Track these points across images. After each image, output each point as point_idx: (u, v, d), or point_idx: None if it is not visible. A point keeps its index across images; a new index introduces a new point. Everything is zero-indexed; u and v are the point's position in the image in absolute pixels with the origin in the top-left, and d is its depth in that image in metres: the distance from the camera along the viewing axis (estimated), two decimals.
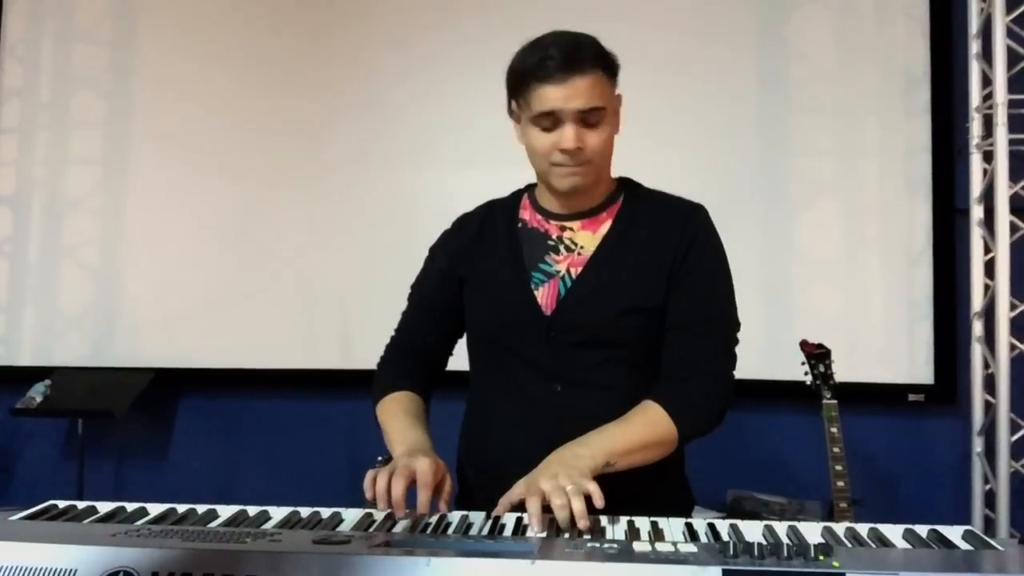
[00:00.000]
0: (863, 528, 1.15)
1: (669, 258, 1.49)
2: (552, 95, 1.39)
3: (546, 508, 1.19)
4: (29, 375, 3.43)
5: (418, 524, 1.21)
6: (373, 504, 1.26)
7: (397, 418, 1.52)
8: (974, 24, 3.07)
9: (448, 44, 3.44)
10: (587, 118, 1.41)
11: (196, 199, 3.56)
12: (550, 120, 1.41)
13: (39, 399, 3.30)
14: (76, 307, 3.62)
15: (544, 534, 1.15)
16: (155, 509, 1.22)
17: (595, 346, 1.47)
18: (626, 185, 1.60)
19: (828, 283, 3.20)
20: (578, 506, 1.17)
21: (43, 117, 3.69)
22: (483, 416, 1.59)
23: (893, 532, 1.13)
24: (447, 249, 1.64)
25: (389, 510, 1.25)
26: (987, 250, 3.05)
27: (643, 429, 1.40)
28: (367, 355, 3.51)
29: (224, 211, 3.54)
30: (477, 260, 1.59)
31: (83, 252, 3.63)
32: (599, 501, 1.19)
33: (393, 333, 1.71)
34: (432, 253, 1.68)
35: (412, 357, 1.66)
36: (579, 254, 1.52)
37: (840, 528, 1.15)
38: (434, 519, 1.23)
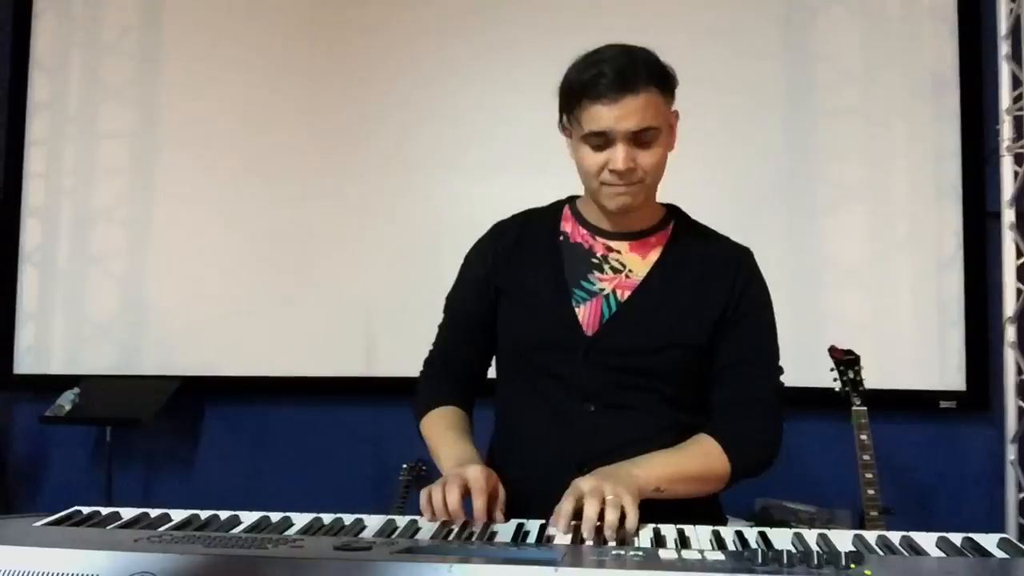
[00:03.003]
0: (895, 536, 1.12)
1: (721, 302, 1.47)
2: (604, 115, 1.35)
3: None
4: (58, 383, 3.46)
5: (441, 531, 1.20)
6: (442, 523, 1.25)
7: (442, 434, 1.51)
8: (1003, 25, 3.02)
9: (475, 52, 3.44)
10: (639, 137, 1.37)
11: (222, 208, 3.58)
12: (601, 139, 1.37)
13: (68, 407, 3.33)
14: (104, 316, 3.65)
15: (567, 537, 1.13)
16: (178, 515, 1.22)
17: (632, 373, 1.45)
18: (674, 213, 1.57)
19: (857, 288, 3.17)
20: (611, 516, 1.14)
21: (71, 128, 3.73)
22: (511, 431, 1.56)
23: (926, 540, 1.10)
24: (484, 257, 1.59)
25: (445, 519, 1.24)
26: (1019, 254, 3.00)
27: (698, 461, 1.39)
28: (391, 363, 3.53)
29: (250, 220, 3.56)
30: (515, 270, 1.54)
31: (111, 262, 3.66)
32: (631, 525, 1.16)
33: (431, 347, 1.68)
34: (468, 261, 1.63)
35: (452, 371, 1.63)
36: (627, 277, 1.48)
37: (871, 536, 1.12)
38: (456, 526, 1.22)
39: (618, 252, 1.51)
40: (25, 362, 3.69)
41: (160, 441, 3.57)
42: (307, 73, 3.56)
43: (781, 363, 1.53)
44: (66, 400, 3.35)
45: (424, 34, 3.48)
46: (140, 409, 3.28)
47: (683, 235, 1.53)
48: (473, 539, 1.17)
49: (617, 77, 1.34)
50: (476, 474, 1.28)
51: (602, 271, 1.49)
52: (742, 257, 1.53)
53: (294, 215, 3.53)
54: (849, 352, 2.69)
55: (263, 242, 3.54)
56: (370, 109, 3.50)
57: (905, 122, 3.19)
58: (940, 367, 3.11)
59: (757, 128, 3.27)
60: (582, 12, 3.28)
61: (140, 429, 3.37)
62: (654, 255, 1.50)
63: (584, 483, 1.21)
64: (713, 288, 1.48)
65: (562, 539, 1.14)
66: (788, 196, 3.24)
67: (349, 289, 3.48)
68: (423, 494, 1.28)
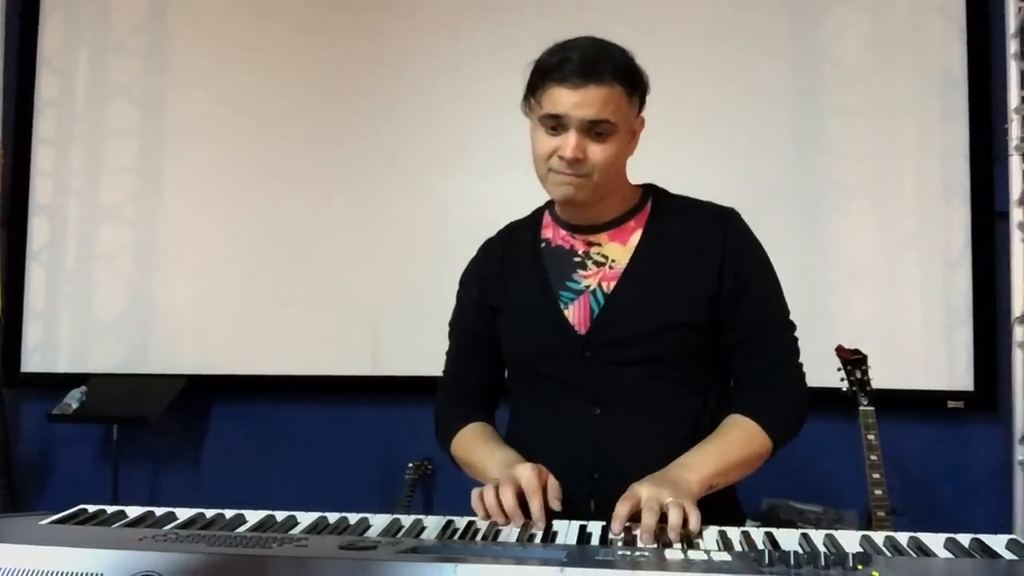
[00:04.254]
0: (903, 537, 1.11)
1: (714, 269, 1.44)
2: (562, 98, 1.35)
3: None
4: (66, 381, 3.47)
5: (446, 530, 1.19)
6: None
7: (480, 447, 1.49)
8: (1012, 23, 3.00)
9: (477, 52, 3.43)
10: (593, 128, 1.36)
11: (228, 207, 3.58)
12: (556, 122, 1.37)
13: (75, 405, 3.34)
14: (111, 314, 3.65)
15: (620, 536, 1.15)
16: (183, 514, 1.22)
17: (635, 364, 1.43)
18: (651, 191, 1.55)
19: (864, 287, 3.15)
20: (675, 518, 1.15)
21: (79, 127, 3.74)
22: (523, 439, 1.54)
23: (934, 541, 1.10)
24: (476, 278, 1.60)
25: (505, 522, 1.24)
26: None
27: (743, 447, 1.39)
28: (397, 362, 3.53)
29: (256, 219, 3.56)
30: (504, 286, 1.55)
31: (118, 260, 3.67)
32: (695, 525, 1.17)
33: (442, 375, 1.67)
34: (463, 284, 1.64)
35: (467, 396, 1.62)
36: (611, 267, 1.47)
37: (879, 537, 1.12)
38: (462, 524, 1.22)
39: (599, 245, 1.49)
40: (32, 360, 3.70)
41: (167, 440, 3.58)
42: (314, 73, 3.55)
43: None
44: (73, 398, 3.35)
45: (430, 35, 3.47)
46: (147, 408, 3.29)
47: (662, 212, 1.51)
48: (478, 538, 1.16)
49: (583, 64, 1.34)
50: (527, 473, 1.27)
51: (585, 268, 1.48)
52: (728, 220, 1.50)
53: (301, 214, 3.53)
54: (856, 352, 2.68)
55: (270, 241, 3.54)
56: (377, 110, 3.50)
57: (913, 121, 3.17)
58: (948, 367, 3.09)
59: (764, 127, 3.25)
60: (589, 14, 3.26)
61: (147, 428, 3.38)
62: (634, 239, 1.48)
63: (642, 490, 1.21)
64: (702, 258, 1.45)
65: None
66: (795, 195, 3.23)
67: (356, 289, 3.47)
68: (474, 494, 1.27)
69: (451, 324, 1.66)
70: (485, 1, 3.47)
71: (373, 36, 3.52)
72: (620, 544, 1.13)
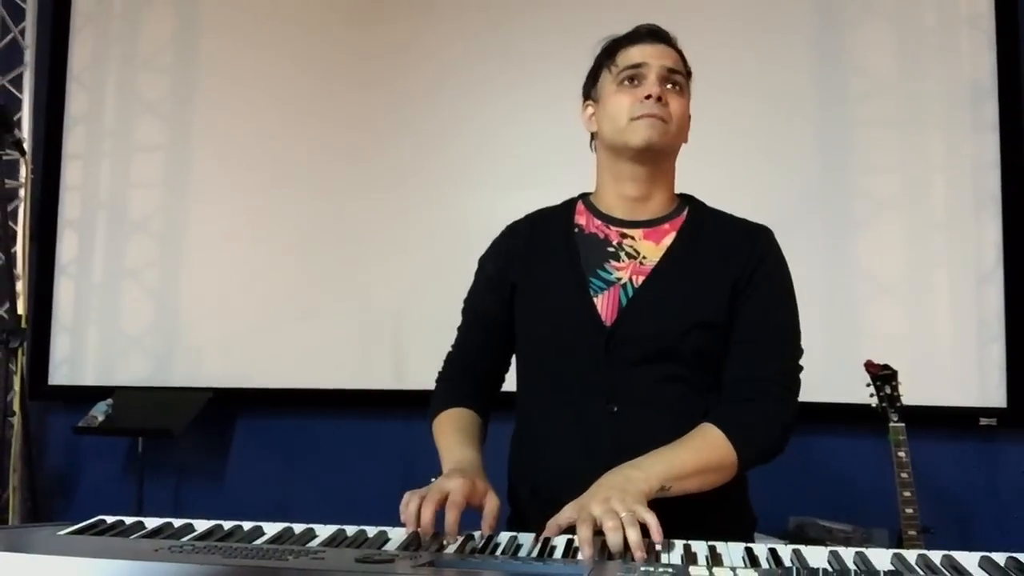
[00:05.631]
0: (936, 556, 1.08)
1: (735, 274, 1.44)
2: (641, 50, 1.46)
3: (597, 532, 1.14)
4: (92, 394, 3.50)
5: (466, 545, 1.17)
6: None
7: (448, 436, 1.49)
8: None
9: (508, 67, 3.43)
10: (670, 77, 1.46)
11: (254, 221, 3.60)
12: (635, 72, 1.45)
13: (101, 418, 3.36)
14: (138, 328, 3.68)
15: (595, 559, 1.10)
16: (201, 525, 1.21)
17: (655, 362, 1.41)
18: (689, 201, 1.57)
19: (894, 302, 3.10)
20: (634, 536, 1.10)
21: (107, 142, 3.78)
22: (533, 436, 1.53)
23: (968, 560, 1.06)
24: (497, 256, 1.59)
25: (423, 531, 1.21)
26: None
27: (700, 453, 1.34)
28: (421, 376, 3.50)
29: (281, 233, 3.57)
30: (530, 265, 1.53)
31: (145, 274, 3.70)
32: (657, 534, 1.11)
33: (450, 349, 1.67)
34: (481, 263, 1.63)
35: (469, 374, 1.62)
36: (641, 263, 1.47)
37: (911, 555, 1.08)
38: (481, 541, 1.19)
39: (632, 239, 1.49)
40: (60, 373, 3.74)
41: (191, 453, 3.59)
42: (339, 87, 3.57)
43: (803, 345, 1.48)
44: (99, 411, 3.37)
45: (456, 48, 3.48)
46: (172, 421, 3.30)
47: (697, 220, 1.52)
48: (497, 553, 1.14)
49: (653, 31, 1.50)
50: (456, 487, 1.25)
51: (618, 259, 1.48)
52: (759, 233, 1.51)
53: (325, 228, 3.54)
54: (886, 367, 2.63)
55: (295, 255, 3.56)
56: (402, 123, 3.51)
57: (943, 132, 3.13)
58: (980, 383, 3.03)
59: (791, 139, 3.23)
60: (615, 27, 3.26)
61: (172, 440, 3.39)
62: (667, 240, 1.49)
63: (594, 507, 1.16)
64: (728, 265, 1.45)
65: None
66: (823, 209, 3.19)
67: (380, 302, 3.48)
68: (404, 498, 1.25)
69: (465, 302, 1.66)
70: (510, 15, 3.47)
71: (398, 50, 3.53)
72: (641, 560, 1.10)
